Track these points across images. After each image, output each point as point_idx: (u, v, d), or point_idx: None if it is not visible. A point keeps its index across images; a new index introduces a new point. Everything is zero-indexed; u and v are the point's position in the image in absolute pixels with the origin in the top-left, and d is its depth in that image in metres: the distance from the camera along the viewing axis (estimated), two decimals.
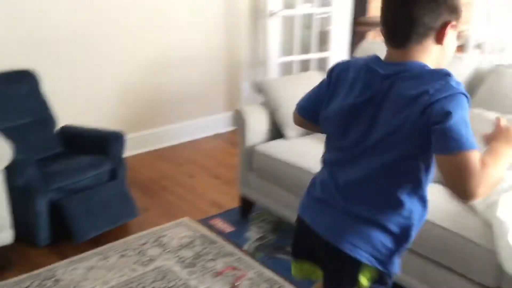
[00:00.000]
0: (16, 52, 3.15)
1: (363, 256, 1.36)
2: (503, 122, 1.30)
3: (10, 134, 2.59)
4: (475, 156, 1.15)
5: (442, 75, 1.23)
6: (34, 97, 2.95)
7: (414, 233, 1.39)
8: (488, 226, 1.91)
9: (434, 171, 1.34)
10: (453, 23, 1.27)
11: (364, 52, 3.06)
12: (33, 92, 2.96)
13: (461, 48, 4.91)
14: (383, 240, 1.36)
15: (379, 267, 1.37)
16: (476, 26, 3.32)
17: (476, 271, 1.93)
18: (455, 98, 1.19)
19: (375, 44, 3.11)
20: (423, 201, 1.37)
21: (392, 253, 1.38)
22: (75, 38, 3.42)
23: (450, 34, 1.28)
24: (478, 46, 3.38)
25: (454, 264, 2.00)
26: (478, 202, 2.02)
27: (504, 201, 1.88)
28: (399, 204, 1.34)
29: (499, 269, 1.83)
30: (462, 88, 1.22)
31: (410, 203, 1.35)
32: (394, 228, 1.36)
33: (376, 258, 1.37)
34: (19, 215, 2.53)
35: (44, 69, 3.07)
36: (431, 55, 1.29)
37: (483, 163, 1.15)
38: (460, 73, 2.62)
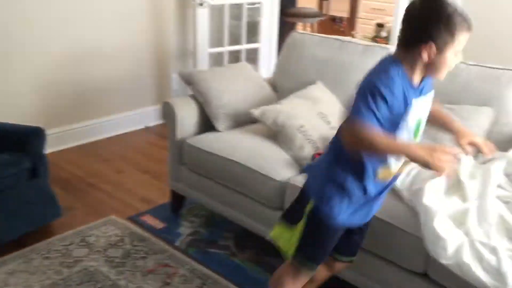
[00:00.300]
0: None
1: (310, 191, 1.76)
2: (455, 152, 1.58)
3: None
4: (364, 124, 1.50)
5: (387, 62, 1.58)
6: None
7: (352, 188, 1.67)
8: (414, 213, 1.96)
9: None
10: (432, 46, 1.51)
11: (293, 43, 3.06)
12: None
13: (385, 40, 5.05)
14: (325, 185, 1.70)
15: (314, 202, 1.71)
16: (399, 18, 3.42)
17: (404, 257, 1.98)
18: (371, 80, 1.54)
19: (304, 36, 3.12)
20: (362, 169, 1.64)
21: (328, 196, 1.69)
22: None
23: (437, 56, 1.53)
24: None
25: (382, 251, 2.04)
26: (404, 189, 2.08)
27: (429, 188, 1.94)
28: (343, 160, 1.66)
29: (426, 255, 1.88)
30: (390, 72, 1.55)
31: (351, 165, 1.65)
32: (334, 177, 1.68)
33: (315, 195, 1.72)
34: None
35: None
36: (413, 63, 1.56)
37: (377, 134, 1.50)
38: None
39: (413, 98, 1.60)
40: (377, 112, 1.51)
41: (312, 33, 3.60)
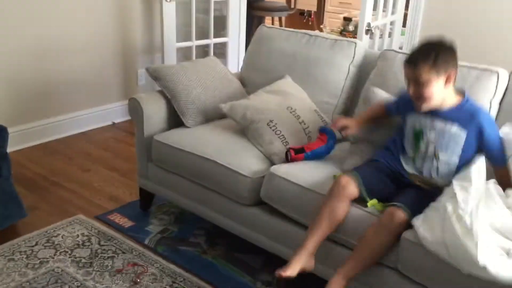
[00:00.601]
0: None
1: None
2: None
3: None
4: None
5: None
6: None
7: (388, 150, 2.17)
8: None
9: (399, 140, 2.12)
10: None
11: (262, 37, 3.04)
12: None
13: (352, 34, 5.08)
14: None
15: None
16: (365, 12, 3.44)
17: None
18: None
19: (272, 30, 3.10)
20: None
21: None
22: None
23: None
24: (368, 31, 3.51)
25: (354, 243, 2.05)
26: None
27: None
28: None
29: (397, 251, 1.92)
30: None
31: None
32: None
33: None
34: None
35: None
36: None
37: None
38: (354, 56, 2.70)
39: (410, 113, 2.05)
40: (391, 100, 2.23)
41: (280, 27, 3.58)
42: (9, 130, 2.69)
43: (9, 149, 2.71)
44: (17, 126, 3.46)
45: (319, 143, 2.39)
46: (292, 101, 2.62)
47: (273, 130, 2.45)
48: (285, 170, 2.27)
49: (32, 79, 3.59)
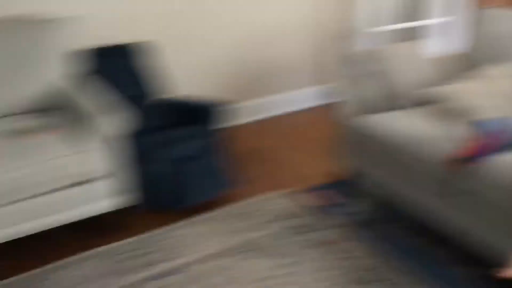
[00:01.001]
0: (141, 24, 3.33)
1: None
2: None
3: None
4: None
5: None
6: (129, 72, 3.05)
7: None
8: None
9: None
10: None
11: (486, 19, 2.80)
12: (132, 66, 3.07)
13: None
14: None
15: None
16: None
17: None
18: None
19: (498, 11, 2.83)
20: None
21: None
22: (193, 11, 3.57)
23: None
24: None
25: None
26: None
27: None
28: None
29: None
30: None
31: None
32: None
33: None
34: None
35: (167, 40, 3.36)
36: None
37: None
38: None
39: None
40: None
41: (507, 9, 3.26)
42: (235, 105, 3.00)
43: (227, 124, 2.96)
44: (240, 102, 3.81)
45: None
46: (508, 87, 2.38)
47: (480, 119, 2.26)
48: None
49: (245, 63, 3.92)
